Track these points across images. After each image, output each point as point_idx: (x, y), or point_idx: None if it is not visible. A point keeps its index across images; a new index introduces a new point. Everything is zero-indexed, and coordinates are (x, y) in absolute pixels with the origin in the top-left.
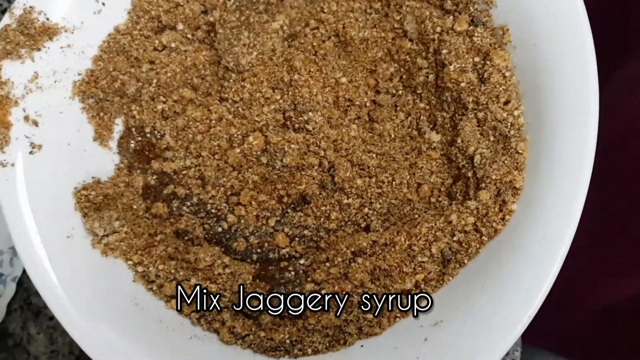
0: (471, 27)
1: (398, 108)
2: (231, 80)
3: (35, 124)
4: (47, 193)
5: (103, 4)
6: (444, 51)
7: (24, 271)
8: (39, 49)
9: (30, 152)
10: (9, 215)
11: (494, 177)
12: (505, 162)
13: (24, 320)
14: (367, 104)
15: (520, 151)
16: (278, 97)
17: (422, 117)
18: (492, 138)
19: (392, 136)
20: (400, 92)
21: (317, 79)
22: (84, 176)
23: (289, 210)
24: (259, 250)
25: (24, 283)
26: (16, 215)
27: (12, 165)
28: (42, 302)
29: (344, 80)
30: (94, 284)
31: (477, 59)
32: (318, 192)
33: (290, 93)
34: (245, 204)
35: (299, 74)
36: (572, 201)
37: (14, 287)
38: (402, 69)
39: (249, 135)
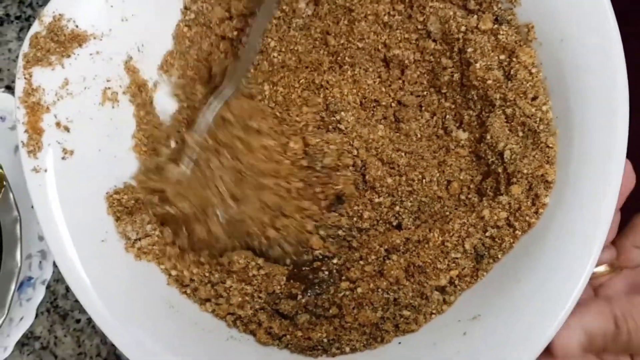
0: (495, 26)
1: (423, 108)
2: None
3: (67, 129)
4: (80, 198)
5: (132, 14)
6: (469, 50)
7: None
8: (68, 56)
9: (63, 158)
10: (43, 220)
11: (525, 171)
12: (536, 156)
13: (51, 323)
14: (393, 105)
15: (550, 145)
16: (317, 98)
17: (447, 116)
18: (521, 134)
19: (419, 135)
20: (424, 92)
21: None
22: (115, 181)
23: (324, 212)
24: (293, 257)
25: (50, 286)
26: (50, 221)
27: (45, 170)
28: (69, 305)
29: (369, 81)
30: (129, 287)
31: (502, 57)
32: (354, 192)
33: (322, 94)
34: (288, 215)
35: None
36: (605, 192)
37: (43, 290)
38: (426, 70)
39: (289, 141)
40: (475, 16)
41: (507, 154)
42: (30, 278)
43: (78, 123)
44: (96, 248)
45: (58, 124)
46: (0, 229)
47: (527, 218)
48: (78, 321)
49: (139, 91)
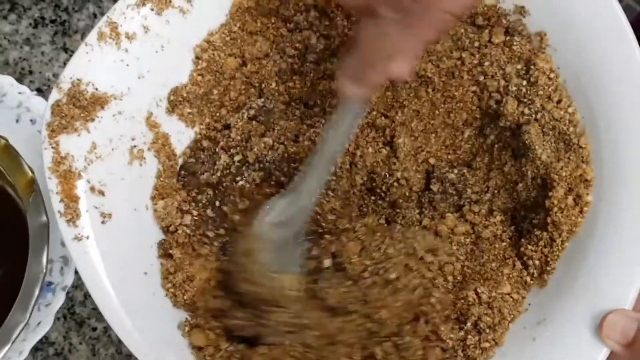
0: (508, 38)
1: None
2: None
3: (102, 193)
4: (124, 258)
5: (148, 71)
6: (486, 63)
7: None
8: (92, 120)
9: (102, 222)
10: (92, 288)
11: (564, 174)
12: (571, 157)
13: (67, 330)
14: None
15: (583, 145)
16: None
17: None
18: (552, 138)
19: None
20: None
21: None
22: (155, 236)
23: None
24: None
25: (69, 292)
26: (99, 287)
27: (87, 237)
28: (86, 313)
29: None
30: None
31: (519, 66)
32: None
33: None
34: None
35: None
36: None
37: (63, 296)
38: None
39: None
40: (487, 31)
41: (544, 158)
42: (50, 283)
43: (111, 185)
44: (145, 307)
45: (92, 189)
46: (28, 233)
47: (573, 218)
48: (94, 329)
49: (163, 145)
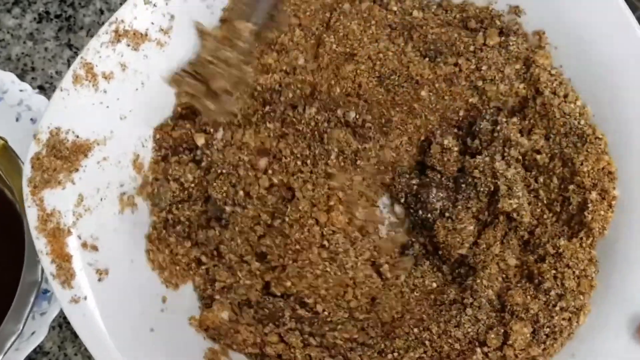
0: (503, 38)
1: None
2: None
3: (95, 248)
4: (126, 316)
5: (130, 110)
6: (484, 68)
7: None
8: (76, 170)
9: (99, 280)
10: (94, 349)
11: (585, 169)
12: (590, 150)
13: (62, 340)
14: None
15: (600, 136)
16: None
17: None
18: (563, 133)
19: None
20: None
21: None
22: (157, 289)
23: None
24: None
25: None
26: (105, 353)
27: (85, 298)
28: None
29: None
30: None
31: (517, 66)
32: None
33: None
34: None
35: None
36: None
37: (59, 305)
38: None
39: None
40: (481, 33)
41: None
42: (46, 291)
43: (104, 238)
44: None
45: (84, 245)
46: (24, 240)
47: (602, 213)
48: None
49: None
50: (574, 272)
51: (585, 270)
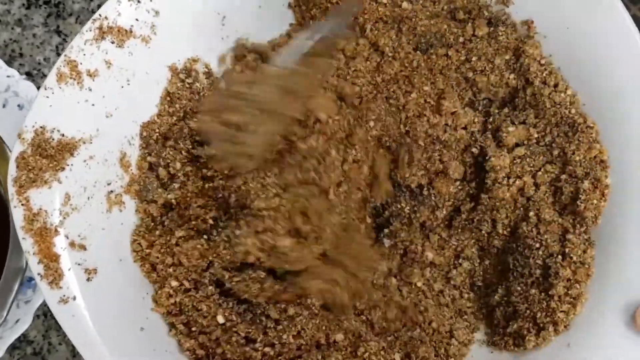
0: (492, 29)
1: None
2: None
3: (83, 248)
4: (115, 316)
5: (116, 108)
6: (474, 59)
7: None
8: (62, 169)
9: (87, 279)
10: (83, 349)
11: (577, 158)
12: (581, 139)
13: (47, 329)
14: None
15: (591, 125)
16: None
17: None
18: (554, 122)
19: None
20: None
21: None
22: (147, 287)
23: None
24: None
25: None
26: (94, 354)
27: (74, 298)
28: None
29: None
30: None
31: (507, 57)
32: None
33: None
34: None
35: None
36: None
37: None
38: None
39: None
40: (469, 24)
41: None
42: (30, 279)
43: (92, 237)
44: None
45: (72, 244)
46: (9, 226)
47: (595, 202)
48: None
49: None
50: (571, 260)
51: (582, 258)
